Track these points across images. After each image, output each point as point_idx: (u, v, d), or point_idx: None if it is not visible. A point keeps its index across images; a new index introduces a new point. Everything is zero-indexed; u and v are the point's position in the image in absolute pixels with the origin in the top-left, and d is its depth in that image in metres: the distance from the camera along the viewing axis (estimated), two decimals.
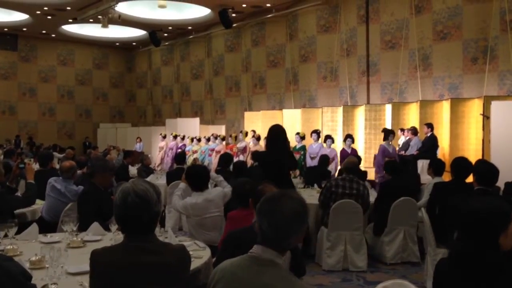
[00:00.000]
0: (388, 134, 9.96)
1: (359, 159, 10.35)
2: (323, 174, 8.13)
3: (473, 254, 1.99)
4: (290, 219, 1.83)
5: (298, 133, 11.91)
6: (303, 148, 11.43)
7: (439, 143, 10.25)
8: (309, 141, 11.63)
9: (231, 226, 3.82)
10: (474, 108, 10.50)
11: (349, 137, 10.75)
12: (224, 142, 14.38)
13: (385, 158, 9.15)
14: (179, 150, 14.03)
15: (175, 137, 15.58)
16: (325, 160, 8.68)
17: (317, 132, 11.41)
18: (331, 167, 10.34)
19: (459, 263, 2.02)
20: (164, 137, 16.28)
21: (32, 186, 4.62)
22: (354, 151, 10.63)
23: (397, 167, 6.47)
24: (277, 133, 5.43)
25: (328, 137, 11.13)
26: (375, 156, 10.59)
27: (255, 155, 5.99)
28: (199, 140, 14.99)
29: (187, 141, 15.50)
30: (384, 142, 9.94)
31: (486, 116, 9.66)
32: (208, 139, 14.65)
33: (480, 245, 1.98)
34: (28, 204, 4.85)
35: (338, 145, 12.41)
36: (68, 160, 6.49)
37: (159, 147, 16.30)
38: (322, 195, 5.77)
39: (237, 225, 3.64)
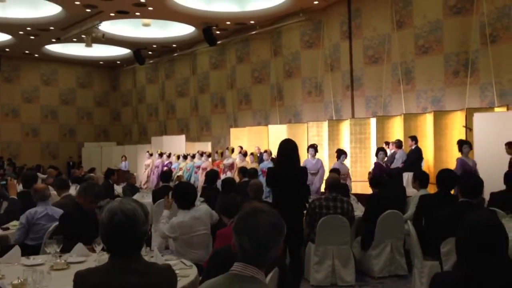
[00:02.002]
0: (462, 145, 8.95)
1: (391, 174, 9.35)
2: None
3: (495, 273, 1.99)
4: (269, 232, 1.85)
5: None
6: None
7: (424, 156, 10.34)
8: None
9: (221, 244, 3.79)
10: (457, 120, 10.64)
11: (381, 151, 9.98)
12: (210, 159, 14.35)
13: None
14: (165, 168, 13.96)
15: (161, 155, 15.52)
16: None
17: (314, 147, 10.40)
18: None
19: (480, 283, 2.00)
20: (151, 155, 16.22)
21: (15, 201, 4.54)
22: (388, 166, 9.97)
23: (382, 181, 6.50)
24: (290, 148, 5.16)
25: (341, 152, 10.25)
26: (372, 170, 9.94)
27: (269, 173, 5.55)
28: (185, 157, 14.95)
29: (173, 158, 15.44)
30: (462, 154, 8.96)
31: (468, 128, 9.79)
32: (193, 156, 14.60)
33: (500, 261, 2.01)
34: (11, 219, 4.74)
35: (325, 160, 12.45)
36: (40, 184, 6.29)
37: (145, 164, 16.22)
38: (307, 216, 5.72)
39: (227, 242, 3.61)
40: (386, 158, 10.76)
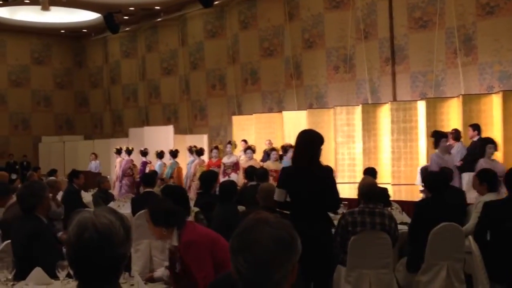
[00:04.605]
0: None
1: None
2: None
3: None
4: (270, 249, 1.81)
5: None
6: None
7: None
8: None
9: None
10: None
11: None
12: (202, 157, 14.18)
13: None
14: (142, 168, 13.92)
15: (128, 152, 14.96)
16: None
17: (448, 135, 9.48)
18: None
19: None
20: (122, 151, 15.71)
21: None
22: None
23: (442, 182, 6.32)
24: (311, 140, 5.18)
25: (486, 141, 9.27)
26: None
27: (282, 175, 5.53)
28: (172, 154, 14.80)
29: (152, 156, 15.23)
30: None
31: None
32: (174, 155, 14.21)
33: None
34: None
35: (357, 153, 12.45)
36: None
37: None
38: (338, 235, 5.69)
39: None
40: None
